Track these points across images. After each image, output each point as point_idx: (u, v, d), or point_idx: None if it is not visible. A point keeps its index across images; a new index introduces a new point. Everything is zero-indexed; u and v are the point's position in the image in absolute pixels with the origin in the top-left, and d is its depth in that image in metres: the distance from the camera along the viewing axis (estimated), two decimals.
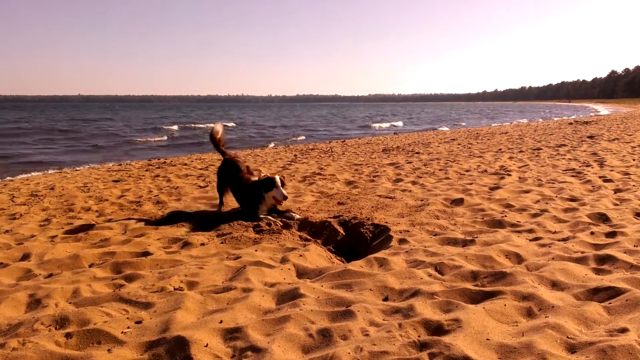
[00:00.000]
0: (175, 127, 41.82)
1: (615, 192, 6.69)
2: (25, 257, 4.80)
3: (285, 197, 5.91)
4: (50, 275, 4.26)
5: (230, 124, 46.31)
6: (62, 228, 5.98)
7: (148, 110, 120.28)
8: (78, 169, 14.18)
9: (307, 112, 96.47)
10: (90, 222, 6.29)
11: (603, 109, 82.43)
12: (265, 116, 76.05)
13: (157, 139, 30.85)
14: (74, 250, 4.95)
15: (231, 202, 6.71)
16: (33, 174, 13.34)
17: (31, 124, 46.61)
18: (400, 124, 50.01)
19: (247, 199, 6.15)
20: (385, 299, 3.43)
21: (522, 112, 78.30)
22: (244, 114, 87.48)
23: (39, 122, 51.24)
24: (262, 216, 5.94)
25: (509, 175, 8.67)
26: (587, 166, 9.34)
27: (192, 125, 45.72)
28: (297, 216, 5.93)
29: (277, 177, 5.97)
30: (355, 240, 5.30)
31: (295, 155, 14.93)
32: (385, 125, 46.95)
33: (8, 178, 12.31)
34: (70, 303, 3.56)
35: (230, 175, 6.54)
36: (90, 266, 4.49)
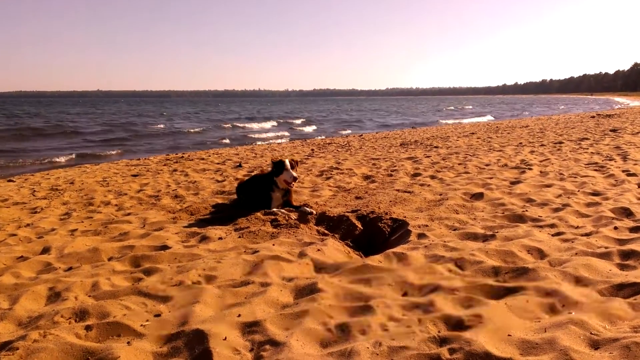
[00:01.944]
0: (273, 124, 40.06)
1: (639, 186, 6.54)
2: (46, 250, 4.86)
3: (295, 179, 5.91)
4: (70, 268, 4.31)
5: (299, 121, 45.28)
6: (82, 222, 6.05)
7: (182, 105, 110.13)
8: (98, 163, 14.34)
9: (348, 106, 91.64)
10: (110, 216, 6.36)
11: (629, 101, 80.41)
12: (321, 111, 71.29)
13: (279, 133, 30.44)
14: (93, 243, 5.00)
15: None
16: (69, 169, 13.31)
17: (90, 122, 40.57)
18: (488, 118, 41.36)
19: (261, 189, 6.17)
20: (405, 294, 3.39)
21: (561, 105, 75.87)
22: (292, 109, 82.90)
23: (105, 119, 45.88)
24: (274, 209, 5.92)
25: (530, 169, 8.53)
26: (610, 160, 9.15)
27: (287, 120, 44.77)
28: (313, 211, 5.90)
29: (287, 161, 5.95)
30: (374, 234, 5.26)
31: (312, 149, 14.90)
32: (451, 122, 36.66)
33: (29, 173, 12.49)
34: (89, 296, 3.59)
35: None
36: (109, 260, 4.53)
